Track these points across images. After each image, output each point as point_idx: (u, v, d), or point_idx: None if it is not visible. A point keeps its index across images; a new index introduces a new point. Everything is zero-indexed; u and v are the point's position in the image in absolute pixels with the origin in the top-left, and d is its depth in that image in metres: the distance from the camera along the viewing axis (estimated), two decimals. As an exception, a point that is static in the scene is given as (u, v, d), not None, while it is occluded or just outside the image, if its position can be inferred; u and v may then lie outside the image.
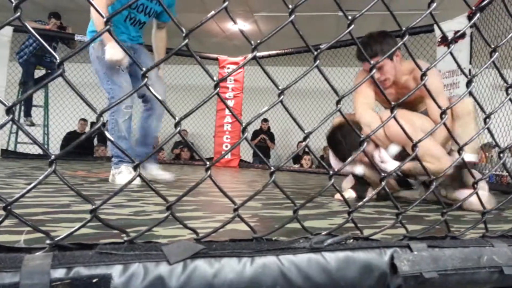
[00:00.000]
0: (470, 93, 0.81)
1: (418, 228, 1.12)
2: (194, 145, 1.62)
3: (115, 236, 0.83)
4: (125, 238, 0.61)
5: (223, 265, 0.57)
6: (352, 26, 0.71)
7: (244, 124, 0.67)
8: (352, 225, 0.76)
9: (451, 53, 0.81)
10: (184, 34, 0.58)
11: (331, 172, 0.71)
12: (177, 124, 0.60)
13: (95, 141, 7.11)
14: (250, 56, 0.66)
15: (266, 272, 0.58)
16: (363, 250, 0.67)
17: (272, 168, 0.68)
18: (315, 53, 0.69)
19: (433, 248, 0.70)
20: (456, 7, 2.73)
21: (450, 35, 4.46)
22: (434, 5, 0.73)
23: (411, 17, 0.73)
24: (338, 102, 0.70)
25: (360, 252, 0.67)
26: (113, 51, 2.14)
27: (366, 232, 0.75)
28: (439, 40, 4.50)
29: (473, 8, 0.86)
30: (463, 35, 4.19)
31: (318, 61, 0.69)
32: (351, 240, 0.70)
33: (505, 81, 0.86)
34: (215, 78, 0.62)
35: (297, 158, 6.94)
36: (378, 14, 5.72)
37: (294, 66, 6.05)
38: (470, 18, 4.17)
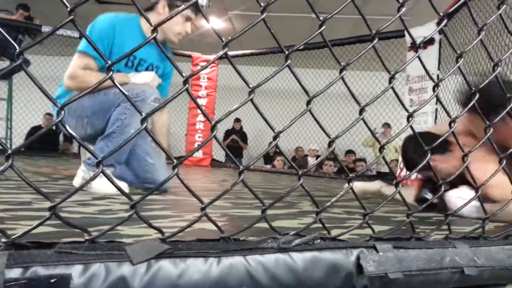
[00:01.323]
0: (436, 97, 0.83)
1: (386, 229, 1.14)
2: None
3: (78, 236, 0.80)
4: (87, 237, 0.58)
5: (189, 266, 0.55)
6: (323, 27, 0.71)
7: (213, 122, 0.65)
8: (324, 225, 0.76)
9: (419, 58, 0.83)
10: (152, 28, 0.56)
11: (300, 172, 0.71)
12: (143, 120, 0.58)
13: (61, 137, 6.89)
14: (220, 52, 0.65)
15: (233, 272, 0.57)
16: (330, 251, 0.67)
17: (241, 167, 0.67)
18: (286, 52, 0.69)
19: (398, 249, 0.71)
20: (426, 13, 2.81)
21: (418, 41, 4.59)
22: (404, 9, 0.75)
23: (383, 22, 0.74)
24: (308, 103, 0.70)
25: (327, 252, 0.67)
26: (142, 76, 1.81)
27: (335, 232, 0.75)
28: (409, 45, 4.62)
29: (441, 14, 0.89)
30: (431, 41, 4.32)
31: (289, 61, 0.69)
32: (319, 240, 0.70)
33: (470, 88, 0.89)
34: (184, 74, 0.61)
35: (269, 159, 6.97)
36: (350, 18, 5.83)
37: (268, 66, 6.06)
38: (439, 24, 4.31)
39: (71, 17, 0.52)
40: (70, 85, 1.80)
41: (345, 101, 5.84)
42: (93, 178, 0.56)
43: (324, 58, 5.46)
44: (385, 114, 5.73)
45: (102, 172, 0.56)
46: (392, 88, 0.76)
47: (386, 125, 6.26)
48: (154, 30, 0.58)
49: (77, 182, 1.82)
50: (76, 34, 5.58)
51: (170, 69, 2.11)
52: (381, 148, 0.77)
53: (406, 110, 0.81)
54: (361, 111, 0.75)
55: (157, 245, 0.56)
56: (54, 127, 7.10)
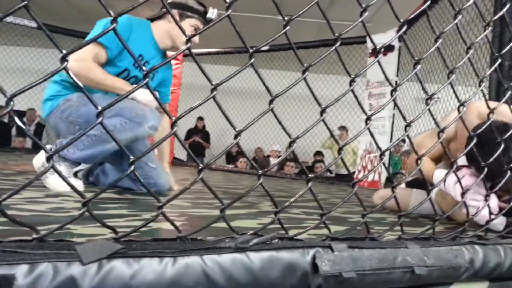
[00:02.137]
0: (394, 102, 0.86)
1: (342, 229, 1.16)
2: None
3: (27, 234, 0.76)
4: (34, 236, 0.56)
5: (143, 266, 0.54)
6: (288, 27, 0.71)
7: (173, 119, 0.64)
8: (282, 224, 0.76)
9: (379, 64, 0.85)
10: (112, 18, 0.54)
11: (259, 172, 0.71)
12: (99, 114, 0.56)
13: (13, 131, 6.55)
14: (184, 47, 0.64)
15: (189, 272, 0.56)
16: (287, 250, 0.68)
17: (200, 165, 0.66)
18: (250, 51, 0.69)
19: (353, 248, 0.73)
20: (388, 21, 2.91)
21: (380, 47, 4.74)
22: (366, 14, 0.77)
23: (347, 27, 0.76)
24: (270, 102, 0.70)
25: (284, 251, 0.67)
26: (145, 93, 1.70)
27: (293, 232, 0.76)
28: (370, 51, 4.77)
29: (401, 21, 0.92)
30: (391, 48, 4.47)
31: (252, 60, 0.69)
32: (277, 240, 0.70)
33: (426, 93, 0.93)
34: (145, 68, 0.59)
35: (231, 158, 6.96)
36: (315, 22, 5.93)
37: (234, 66, 6.05)
38: (399, 32, 4.47)
39: (25, 2, 0.50)
40: (73, 67, 1.59)
41: (308, 103, 5.93)
42: (42, 174, 0.53)
43: (289, 60, 5.52)
44: (345, 117, 5.87)
45: (53, 167, 0.53)
46: (352, 91, 0.78)
47: (342, 128, 6.41)
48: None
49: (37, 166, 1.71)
50: (34, 24, 5.32)
51: (170, 75, 2.16)
52: (340, 150, 0.79)
53: (365, 113, 0.83)
54: (322, 113, 0.76)
55: (109, 244, 0.54)
56: (6, 121, 6.79)
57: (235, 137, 0.70)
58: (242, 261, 0.63)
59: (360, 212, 0.82)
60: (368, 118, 0.80)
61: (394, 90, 0.86)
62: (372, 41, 0.81)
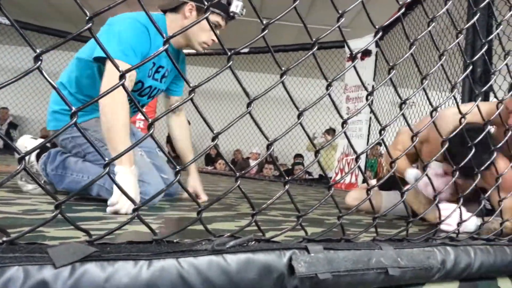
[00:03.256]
0: (369, 106, 0.87)
1: (319, 231, 1.17)
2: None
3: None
4: (5, 239, 0.54)
5: (117, 269, 0.53)
6: (266, 31, 0.72)
7: (150, 120, 0.64)
8: (259, 226, 0.77)
9: (355, 68, 0.87)
10: (87, 17, 0.53)
11: (237, 174, 0.71)
12: (73, 115, 0.55)
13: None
14: (161, 49, 0.64)
15: (164, 275, 0.56)
16: (263, 252, 0.68)
17: (178, 167, 0.66)
18: (229, 53, 0.69)
19: (328, 250, 0.74)
20: (365, 27, 2.97)
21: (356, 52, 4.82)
22: (343, 20, 0.78)
23: (325, 32, 0.77)
24: (248, 105, 0.71)
25: (260, 253, 0.68)
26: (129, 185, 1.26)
27: (270, 235, 0.76)
28: (348, 56, 4.85)
29: (377, 27, 0.94)
30: (369, 53, 4.55)
31: (231, 62, 0.69)
32: (253, 242, 0.71)
33: (400, 98, 0.95)
34: (121, 69, 0.59)
35: (210, 160, 6.93)
36: (295, 26, 5.97)
37: (213, 68, 6.04)
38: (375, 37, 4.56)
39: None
40: (102, 104, 1.33)
41: (288, 106, 5.98)
42: (14, 175, 0.52)
43: (270, 62, 5.55)
44: (329, 121, 5.94)
45: (25, 169, 0.52)
46: (329, 95, 0.79)
47: (329, 131, 6.48)
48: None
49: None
50: (7, 21, 5.16)
51: (183, 69, 1.93)
52: (316, 153, 0.80)
53: (341, 116, 0.84)
54: (299, 116, 0.77)
55: (82, 247, 0.53)
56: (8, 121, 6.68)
57: (213, 139, 0.70)
58: (219, 264, 0.63)
59: (336, 214, 0.83)
60: (344, 122, 0.82)
61: (369, 94, 0.88)
62: (348, 46, 0.83)
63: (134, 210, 0.63)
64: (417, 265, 0.82)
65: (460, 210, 1.13)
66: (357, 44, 4.23)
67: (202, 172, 5.66)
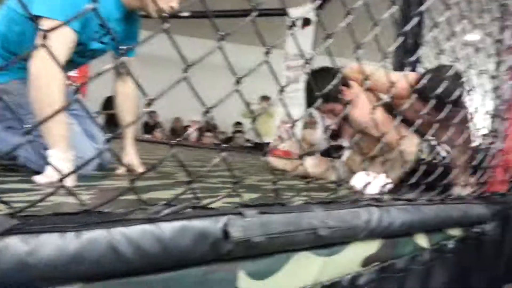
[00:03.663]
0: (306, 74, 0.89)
1: (255, 196, 1.20)
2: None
3: None
4: None
5: (42, 242, 0.51)
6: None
7: (74, 86, 0.60)
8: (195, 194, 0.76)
9: (294, 38, 0.87)
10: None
11: (171, 142, 0.70)
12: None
13: None
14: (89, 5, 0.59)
15: (93, 246, 0.54)
16: (199, 219, 0.69)
17: (107, 135, 0.63)
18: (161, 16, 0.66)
19: (263, 214, 0.76)
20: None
21: (299, 21, 4.85)
22: None
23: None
24: (184, 71, 0.69)
25: (196, 220, 0.68)
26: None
27: (208, 202, 0.77)
28: (289, 24, 4.85)
29: None
30: (308, 22, 4.60)
31: (168, 25, 0.66)
32: (189, 210, 0.71)
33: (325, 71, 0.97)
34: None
35: (149, 128, 6.73)
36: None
37: (149, 31, 5.75)
38: (318, 8, 4.61)
39: None
40: (34, 74, 1.17)
41: (227, 73, 5.90)
42: None
43: (211, 28, 5.39)
44: (267, 88, 5.97)
45: None
46: (266, 62, 0.79)
47: (264, 98, 6.52)
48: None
49: None
50: None
51: (135, 28, 1.68)
52: (254, 120, 0.80)
53: (279, 84, 0.85)
54: (237, 83, 0.76)
55: (2, 220, 0.50)
56: None
57: (147, 105, 0.68)
58: (152, 232, 0.62)
59: (282, 179, 0.86)
60: (282, 90, 0.83)
61: (307, 62, 0.89)
62: (287, 14, 0.83)
63: (61, 180, 0.60)
64: (344, 225, 0.88)
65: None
66: (298, 12, 4.24)
67: (140, 140, 5.50)
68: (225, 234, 0.69)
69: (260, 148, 5.27)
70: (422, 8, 1.22)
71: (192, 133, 6.65)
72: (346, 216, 0.89)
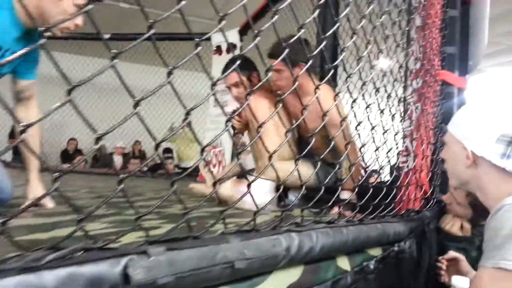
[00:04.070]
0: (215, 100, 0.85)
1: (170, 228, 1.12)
2: None
3: None
4: None
5: None
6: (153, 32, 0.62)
7: None
8: (87, 232, 0.67)
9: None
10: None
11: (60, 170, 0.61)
12: None
13: None
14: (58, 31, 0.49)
15: None
16: (92, 263, 0.60)
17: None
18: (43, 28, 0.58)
19: (172, 250, 0.69)
20: (231, 20, 3.01)
21: (223, 46, 4.90)
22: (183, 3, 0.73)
23: (192, 23, 0.72)
24: (69, 92, 0.60)
25: (88, 265, 0.59)
26: None
27: (120, 239, 0.67)
28: (215, 49, 4.87)
29: (249, 20, 0.92)
30: (234, 47, 4.65)
31: (43, 40, 0.58)
32: (81, 252, 0.61)
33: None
34: None
35: (67, 157, 6.27)
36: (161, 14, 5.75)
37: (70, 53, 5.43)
38: (241, 32, 4.69)
39: None
40: None
41: (156, 98, 5.74)
42: None
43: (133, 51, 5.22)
44: (192, 113, 5.89)
45: None
46: (170, 83, 0.74)
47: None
48: None
49: None
50: None
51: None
52: (157, 146, 0.74)
53: (184, 107, 0.79)
54: (135, 106, 0.69)
55: None
56: None
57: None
58: (31, 284, 0.52)
59: (203, 207, 0.79)
60: (188, 113, 0.77)
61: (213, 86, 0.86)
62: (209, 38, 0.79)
63: None
64: (263, 255, 0.83)
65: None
66: (221, 37, 4.27)
67: (58, 170, 5.08)
68: (126, 278, 0.61)
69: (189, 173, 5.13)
70: (341, 16, 1.22)
71: (118, 160, 6.32)
72: (265, 245, 0.85)
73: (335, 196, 1.20)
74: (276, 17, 0.96)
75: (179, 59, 0.80)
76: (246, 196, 0.91)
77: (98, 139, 0.60)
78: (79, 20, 1.42)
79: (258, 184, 1.72)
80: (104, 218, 1.32)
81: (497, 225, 0.92)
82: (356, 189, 1.38)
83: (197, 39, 0.80)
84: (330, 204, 1.17)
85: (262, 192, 1.89)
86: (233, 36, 4.50)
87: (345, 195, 1.72)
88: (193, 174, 4.75)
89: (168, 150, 6.90)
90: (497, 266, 0.88)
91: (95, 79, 0.63)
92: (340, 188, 1.26)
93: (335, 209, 1.38)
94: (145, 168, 5.89)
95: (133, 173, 0.82)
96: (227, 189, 1.85)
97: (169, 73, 0.74)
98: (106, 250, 0.64)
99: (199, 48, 0.80)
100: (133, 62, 5.79)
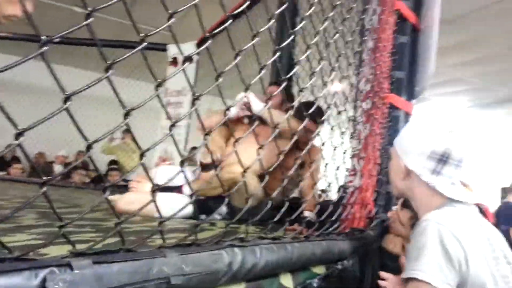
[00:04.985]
0: (196, 111, 0.82)
1: (113, 241, 1.04)
2: None
3: None
4: None
5: None
6: (92, 19, 0.58)
7: None
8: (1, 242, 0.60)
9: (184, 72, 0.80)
10: None
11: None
12: None
13: None
14: None
15: None
16: (6, 275, 0.53)
17: None
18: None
19: (100, 264, 0.63)
20: (188, 33, 2.97)
21: (179, 58, 4.84)
22: (173, 20, 0.72)
23: (149, 31, 0.70)
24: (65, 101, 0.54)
25: (2, 278, 0.52)
26: None
27: (43, 250, 0.60)
28: (171, 60, 4.80)
29: (207, 34, 0.90)
30: (190, 60, 4.61)
31: (44, 49, 0.52)
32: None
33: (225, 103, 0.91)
34: None
35: (4, 164, 5.83)
36: (115, 21, 5.61)
37: (18, 56, 5.09)
38: (199, 45, 4.66)
39: None
40: None
41: (106, 106, 5.52)
42: None
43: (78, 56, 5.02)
44: (136, 123, 5.72)
45: None
46: (158, 96, 0.70)
47: (126, 132, 6.25)
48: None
49: None
50: None
51: None
52: (88, 149, 0.68)
53: (124, 107, 0.74)
54: (66, 101, 0.63)
55: None
56: None
57: (16, 138, 0.52)
58: None
59: (141, 220, 0.73)
60: (126, 115, 0.73)
61: (196, 99, 0.84)
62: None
63: None
64: (203, 271, 0.78)
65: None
66: (176, 49, 4.23)
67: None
68: (43, 292, 0.54)
69: (124, 185, 4.93)
70: (296, 28, 1.22)
71: (58, 169, 5.96)
72: (205, 260, 0.80)
73: (296, 214, 1.20)
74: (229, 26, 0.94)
75: (132, 67, 0.77)
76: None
77: (18, 135, 0.54)
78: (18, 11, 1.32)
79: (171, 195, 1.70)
80: (33, 229, 1.21)
81: (415, 239, 0.99)
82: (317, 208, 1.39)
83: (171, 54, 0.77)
84: (275, 219, 1.15)
85: (174, 203, 1.83)
86: (190, 49, 4.47)
87: (306, 213, 1.74)
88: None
89: (113, 162, 6.62)
90: (411, 276, 0.94)
91: (20, 79, 0.58)
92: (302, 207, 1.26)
93: (295, 226, 1.38)
94: (88, 180, 5.61)
95: (56, 176, 0.75)
96: (128, 202, 1.75)
97: (158, 85, 0.70)
98: (23, 261, 0.57)
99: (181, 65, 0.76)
100: (67, 65, 5.57)
